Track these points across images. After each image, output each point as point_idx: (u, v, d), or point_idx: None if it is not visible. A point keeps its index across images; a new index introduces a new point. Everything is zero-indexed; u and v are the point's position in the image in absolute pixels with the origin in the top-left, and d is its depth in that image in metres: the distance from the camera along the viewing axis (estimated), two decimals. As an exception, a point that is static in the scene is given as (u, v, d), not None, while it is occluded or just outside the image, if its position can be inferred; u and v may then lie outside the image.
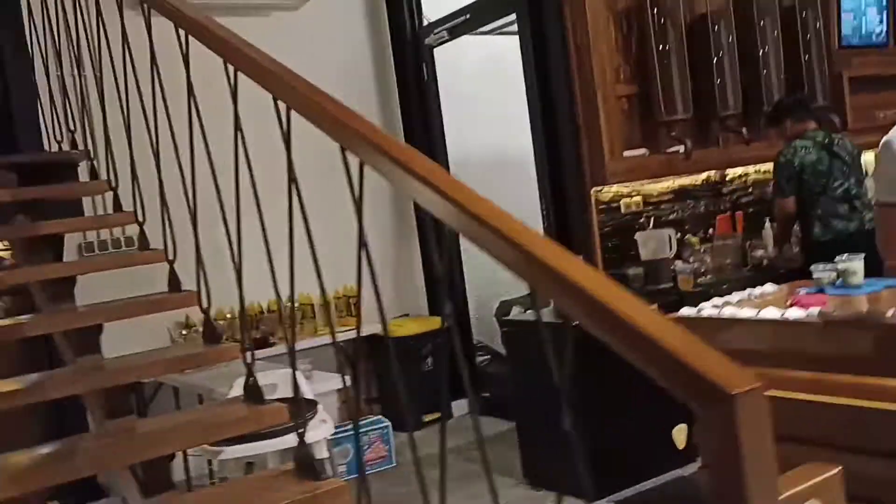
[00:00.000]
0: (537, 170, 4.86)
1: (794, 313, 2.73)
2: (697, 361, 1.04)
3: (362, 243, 1.31)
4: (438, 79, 5.54)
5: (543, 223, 4.84)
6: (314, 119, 1.46)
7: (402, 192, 1.43)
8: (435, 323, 5.25)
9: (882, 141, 2.34)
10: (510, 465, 4.19)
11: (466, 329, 5.68)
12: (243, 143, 1.78)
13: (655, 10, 4.58)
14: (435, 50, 5.51)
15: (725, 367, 1.05)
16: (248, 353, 1.99)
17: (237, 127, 1.77)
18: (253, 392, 2.00)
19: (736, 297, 3.25)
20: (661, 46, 4.58)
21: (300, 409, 2.37)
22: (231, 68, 1.73)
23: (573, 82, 4.57)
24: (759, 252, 4.57)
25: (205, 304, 2.20)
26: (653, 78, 4.61)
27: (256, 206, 1.73)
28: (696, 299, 3.68)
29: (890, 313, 2.37)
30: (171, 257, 2.45)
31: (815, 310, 2.71)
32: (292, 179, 1.52)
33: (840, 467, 1.19)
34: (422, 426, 5.08)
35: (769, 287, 3.34)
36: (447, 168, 5.38)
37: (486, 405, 5.26)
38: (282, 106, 1.52)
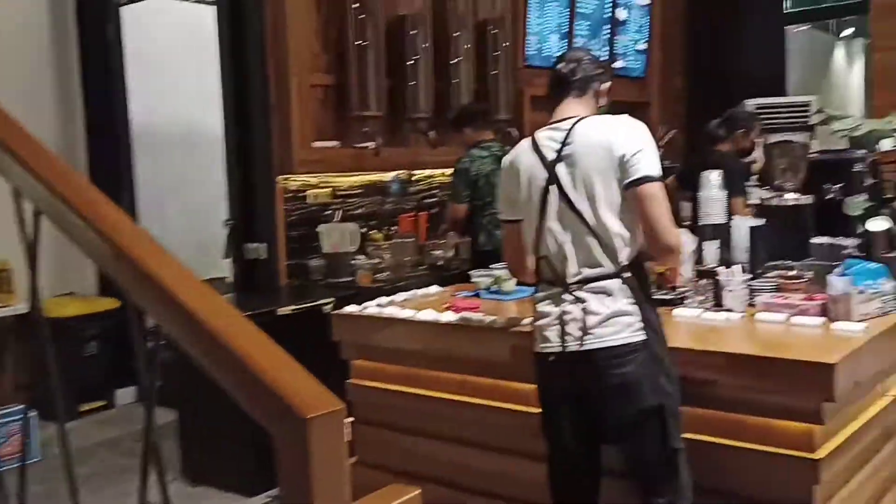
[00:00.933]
0: (226, 151, 4.67)
1: (445, 316, 2.86)
2: (276, 381, 1.00)
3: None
4: (126, 42, 5.10)
5: (228, 207, 4.67)
6: None
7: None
8: (104, 304, 4.84)
9: (503, 161, 2.51)
10: (168, 460, 3.97)
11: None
12: None
13: (356, 4, 4.60)
14: (124, 9, 5.07)
15: (305, 388, 1.01)
16: None
17: None
18: None
19: (402, 296, 3.35)
20: (359, 41, 4.61)
21: None
22: None
23: (268, 65, 4.44)
24: (437, 252, 4.77)
25: None
26: (350, 71, 4.62)
27: None
28: (372, 294, 3.74)
29: (526, 321, 2.55)
30: None
31: (469, 315, 2.85)
32: None
33: (419, 490, 1.22)
34: (78, 416, 4.67)
35: (434, 289, 3.48)
36: (126, 140, 4.98)
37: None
38: None
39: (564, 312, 2.24)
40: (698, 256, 3.07)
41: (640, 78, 7.17)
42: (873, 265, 2.60)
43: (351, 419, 3.15)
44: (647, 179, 2.18)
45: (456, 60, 5.20)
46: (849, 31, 14.07)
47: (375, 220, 4.99)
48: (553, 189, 2.29)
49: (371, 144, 4.72)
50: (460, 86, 5.25)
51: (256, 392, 1.00)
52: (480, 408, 2.81)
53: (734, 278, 2.74)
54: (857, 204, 2.99)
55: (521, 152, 2.41)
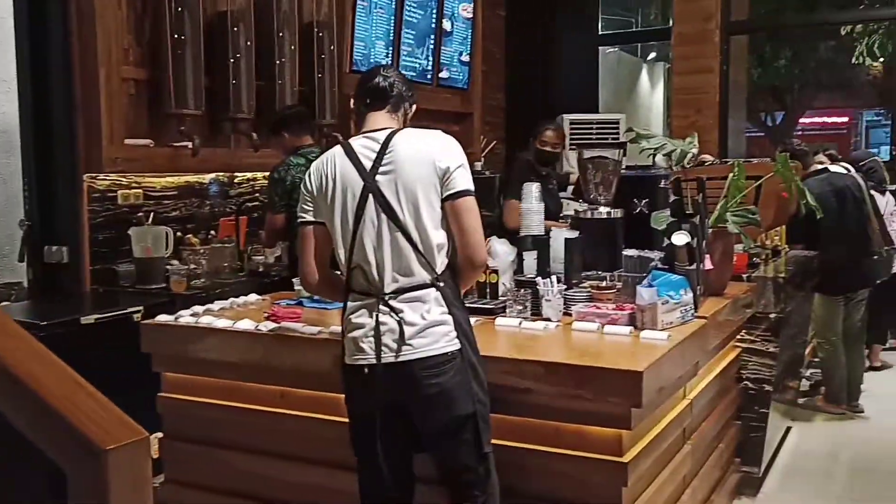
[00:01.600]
0: (22, 145, 4.29)
1: (264, 326, 2.76)
2: (70, 409, 0.90)
3: None
4: None
5: (25, 206, 4.28)
6: None
7: None
8: None
9: (312, 164, 2.49)
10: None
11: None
12: None
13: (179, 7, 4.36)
14: None
15: (103, 417, 0.92)
16: None
17: None
18: None
19: (219, 305, 3.21)
20: (176, 35, 4.38)
21: None
22: None
23: (73, 55, 4.12)
24: (258, 258, 4.62)
25: None
26: (165, 66, 4.38)
27: None
28: (187, 302, 3.56)
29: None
30: None
31: (289, 324, 2.77)
32: None
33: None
34: None
35: (252, 297, 3.36)
36: None
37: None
38: None
39: (380, 323, 2.24)
40: (518, 266, 3.15)
41: (464, 89, 7.31)
42: (675, 277, 2.78)
43: (160, 435, 2.97)
44: (466, 193, 2.26)
45: (280, 61, 5.07)
46: (653, 55, 15.16)
47: (193, 224, 4.75)
48: (371, 198, 2.27)
49: (188, 144, 4.50)
50: (284, 87, 5.12)
51: (46, 422, 0.89)
52: (301, 420, 2.74)
53: (551, 288, 2.83)
54: (661, 218, 3.19)
55: (335, 157, 2.37)
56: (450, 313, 2.25)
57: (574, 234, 3.14)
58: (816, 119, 20.75)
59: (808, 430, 4.80)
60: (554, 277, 2.88)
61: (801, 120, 18.52)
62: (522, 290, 2.88)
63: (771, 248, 4.45)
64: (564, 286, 2.93)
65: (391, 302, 2.24)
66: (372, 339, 2.23)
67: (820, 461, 4.35)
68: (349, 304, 2.33)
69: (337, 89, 5.61)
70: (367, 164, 2.29)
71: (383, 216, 2.26)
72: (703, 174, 3.37)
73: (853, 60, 11.79)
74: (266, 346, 2.71)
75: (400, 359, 2.21)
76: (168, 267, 4.17)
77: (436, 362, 2.20)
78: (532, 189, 3.31)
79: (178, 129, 4.50)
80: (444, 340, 2.22)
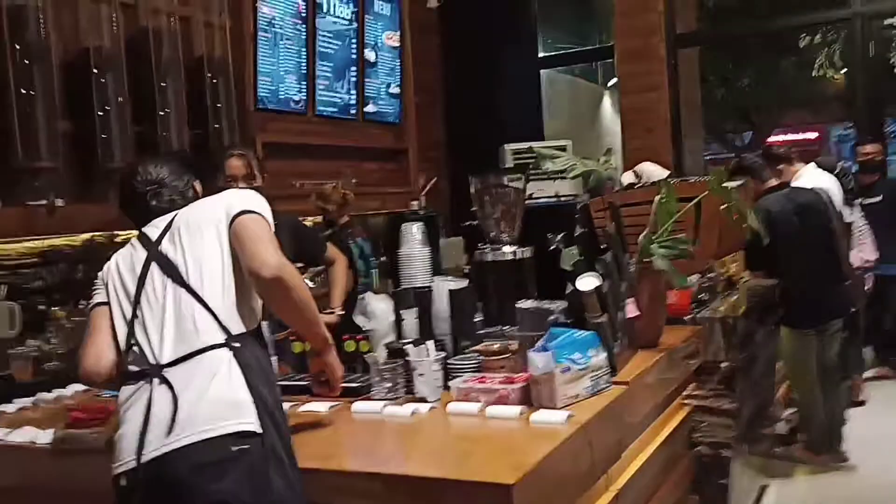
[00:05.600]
0: None
1: (42, 437, 2.10)
2: None
3: None
4: None
5: None
6: None
7: None
8: None
9: None
10: None
11: None
12: None
13: (18, 45, 3.76)
14: None
15: None
16: None
17: None
18: None
19: (20, 403, 2.55)
20: (23, 82, 3.77)
21: None
22: None
23: None
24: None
25: None
26: (10, 115, 3.76)
27: None
28: (34, 392, 2.91)
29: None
30: None
31: (73, 432, 2.12)
32: None
33: None
34: None
35: (74, 388, 2.71)
36: None
37: None
38: None
39: (151, 408, 1.66)
40: (397, 329, 2.52)
41: (396, 123, 6.74)
42: (582, 334, 2.15)
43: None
44: (245, 213, 1.86)
45: (164, 112, 4.46)
46: (614, 81, 14.74)
47: (59, 295, 4.10)
48: (154, 265, 1.85)
49: (43, 202, 3.86)
50: (170, 135, 4.52)
51: None
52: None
53: (425, 358, 2.20)
54: (569, 256, 2.56)
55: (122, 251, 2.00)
56: (249, 384, 1.69)
57: (460, 285, 2.51)
58: (786, 137, 20.44)
59: (786, 488, 4.12)
60: (430, 343, 2.25)
61: (770, 139, 18.16)
62: (392, 362, 2.24)
63: (724, 279, 3.83)
64: (445, 353, 2.29)
65: (166, 373, 1.70)
66: (137, 434, 1.66)
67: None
68: (122, 393, 1.79)
69: (238, 131, 5.02)
70: (154, 236, 1.94)
71: (167, 277, 1.84)
72: (623, 199, 2.77)
73: (814, 73, 11.35)
74: (45, 464, 2.05)
75: (168, 447, 1.61)
76: (13, 350, 3.51)
77: (220, 447, 1.60)
78: (413, 230, 2.69)
79: (33, 185, 3.87)
80: (235, 418, 1.63)
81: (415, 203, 6.62)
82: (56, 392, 2.64)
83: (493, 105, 7.39)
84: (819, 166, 5.08)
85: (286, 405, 2.04)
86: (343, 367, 1.98)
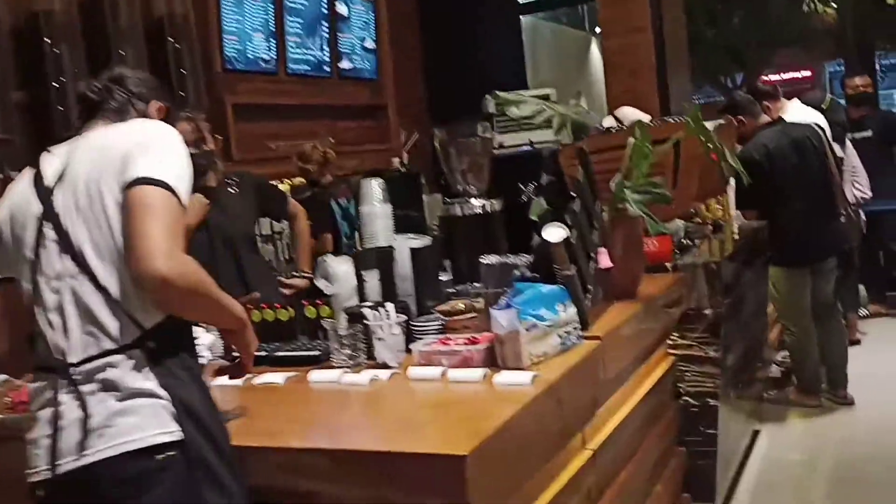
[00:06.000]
0: None
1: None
2: None
3: None
4: None
5: None
6: None
7: None
8: None
9: None
10: None
11: None
12: None
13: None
14: None
15: None
16: None
17: None
18: None
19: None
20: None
21: None
22: None
23: None
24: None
25: None
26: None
27: None
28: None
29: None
30: None
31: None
32: None
33: None
34: None
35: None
36: None
37: None
38: None
39: (59, 413, 1.48)
40: (360, 292, 2.40)
41: (373, 79, 6.55)
42: (548, 288, 2.03)
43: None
44: (143, 181, 1.47)
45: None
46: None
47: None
48: (48, 230, 1.55)
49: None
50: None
51: None
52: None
53: (385, 321, 2.08)
54: (537, 207, 2.43)
55: (16, 183, 1.66)
56: (165, 385, 1.48)
57: (423, 242, 2.38)
58: (779, 76, 20.12)
59: (779, 432, 4.05)
60: (390, 305, 2.13)
61: (763, 79, 17.87)
62: (350, 328, 2.12)
63: (711, 223, 3.70)
64: (406, 317, 2.17)
65: (75, 377, 1.49)
66: (48, 439, 1.49)
67: (794, 472, 3.62)
68: (32, 388, 1.59)
69: (204, 92, 4.84)
70: (50, 181, 1.59)
71: (62, 251, 1.53)
72: (599, 144, 2.63)
73: (804, 8, 11.06)
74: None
75: (82, 461, 1.45)
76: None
77: (136, 467, 1.43)
78: (372, 186, 2.55)
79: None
80: (152, 427, 1.45)
81: (396, 160, 6.46)
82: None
83: (474, 56, 7.17)
84: (806, 103, 4.92)
85: (238, 382, 1.93)
86: (258, 342, 1.70)
